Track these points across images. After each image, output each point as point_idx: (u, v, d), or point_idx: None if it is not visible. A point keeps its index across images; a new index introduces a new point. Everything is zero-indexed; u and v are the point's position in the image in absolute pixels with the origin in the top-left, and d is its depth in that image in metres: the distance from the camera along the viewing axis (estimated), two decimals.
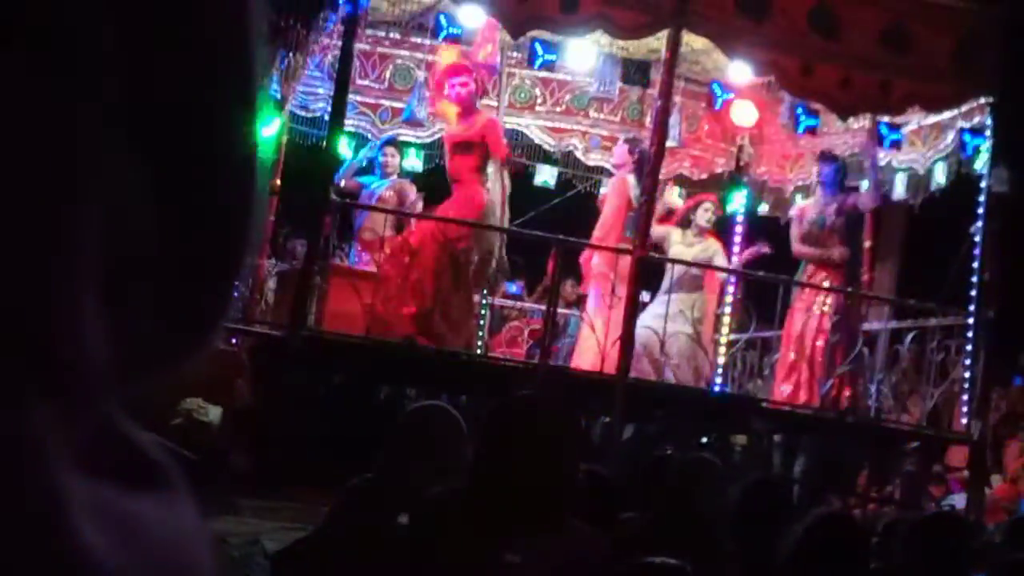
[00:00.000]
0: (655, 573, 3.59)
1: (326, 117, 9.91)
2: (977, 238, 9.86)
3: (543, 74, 11.51)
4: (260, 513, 7.14)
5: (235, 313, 10.57)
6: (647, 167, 9.51)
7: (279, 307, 10.07)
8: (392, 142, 11.38)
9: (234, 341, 10.45)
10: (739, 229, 11.65)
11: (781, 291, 10.50)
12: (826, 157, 10.45)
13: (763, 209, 12.10)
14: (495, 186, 9.64)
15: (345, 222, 10.97)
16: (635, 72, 10.15)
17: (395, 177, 11.09)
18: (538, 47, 9.51)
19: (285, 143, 11.22)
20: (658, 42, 9.30)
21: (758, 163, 12.08)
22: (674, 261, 10.75)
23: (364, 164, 11.23)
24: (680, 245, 10.94)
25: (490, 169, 9.52)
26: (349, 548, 3.93)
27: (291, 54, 10.03)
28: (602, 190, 10.91)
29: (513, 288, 12.80)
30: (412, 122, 11.32)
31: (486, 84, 10.34)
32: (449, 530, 3.30)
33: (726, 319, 11.08)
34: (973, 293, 9.81)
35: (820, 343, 10.09)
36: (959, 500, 10.27)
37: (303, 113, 11.35)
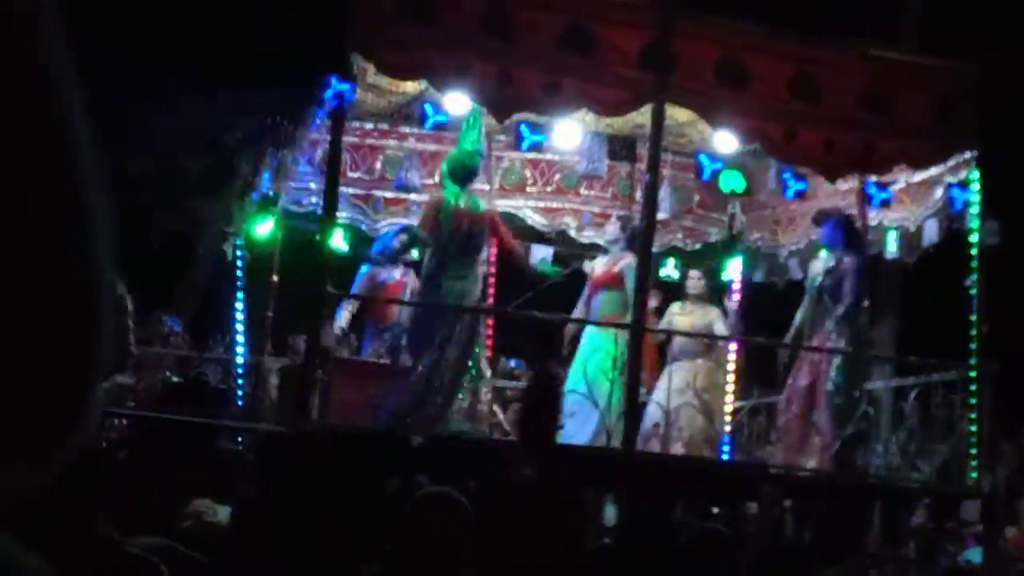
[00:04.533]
0: None
1: (319, 211, 9.98)
2: (973, 291, 9.89)
3: (532, 155, 11.61)
4: None
5: (238, 411, 10.61)
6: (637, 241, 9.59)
7: (283, 403, 10.09)
8: (406, 229, 11.47)
9: (240, 440, 10.47)
10: (736, 296, 11.72)
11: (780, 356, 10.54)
12: (820, 218, 10.51)
13: (759, 276, 12.15)
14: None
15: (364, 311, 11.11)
16: (622, 148, 10.23)
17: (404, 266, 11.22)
18: (524, 129, 9.59)
19: (281, 239, 11.29)
20: (643, 117, 9.39)
21: (751, 230, 12.14)
22: (673, 332, 10.83)
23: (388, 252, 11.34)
24: (679, 316, 11.05)
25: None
26: None
27: (281, 151, 10.14)
28: (588, 264, 10.93)
29: (512, 364, 12.82)
30: (403, 189, 11.39)
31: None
32: None
33: (730, 387, 11.12)
34: (973, 346, 9.84)
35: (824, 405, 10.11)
36: (975, 555, 10.23)
37: (297, 209, 11.42)
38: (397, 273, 11.20)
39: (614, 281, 10.48)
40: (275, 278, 11.13)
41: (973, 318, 9.87)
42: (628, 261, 10.31)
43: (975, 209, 9.92)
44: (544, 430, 8.06)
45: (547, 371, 8.68)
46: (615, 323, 10.09)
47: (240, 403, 10.78)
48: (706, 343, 10.94)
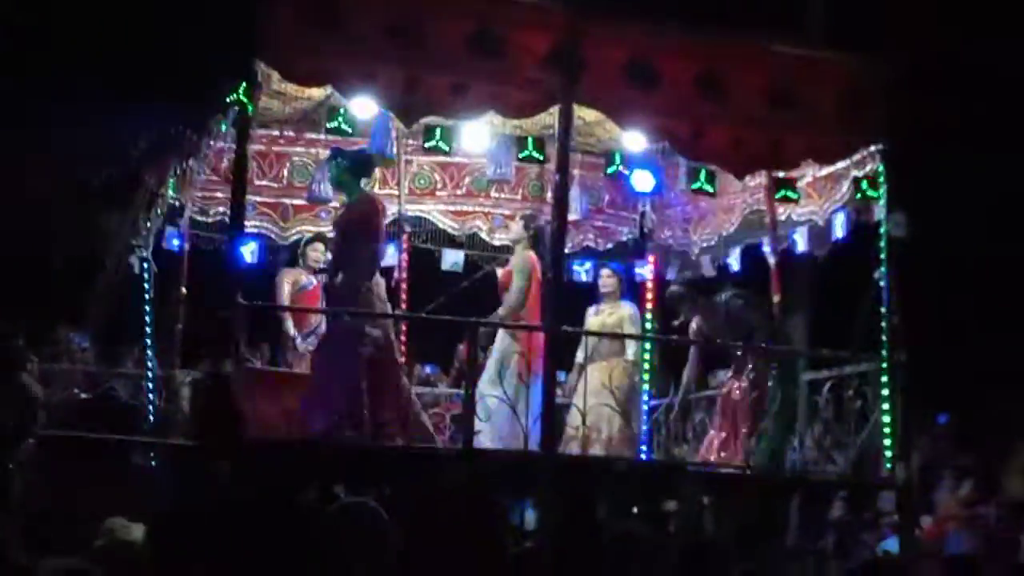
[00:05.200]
0: None
1: (227, 221, 9.84)
2: (882, 283, 9.98)
3: (441, 159, 11.55)
4: None
5: (150, 426, 10.45)
6: (548, 241, 9.57)
7: (195, 417, 9.94)
8: (318, 238, 11.37)
9: (152, 455, 10.30)
10: (650, 295, 11.75)
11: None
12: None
13: (671, 273, 12.19)
14: None
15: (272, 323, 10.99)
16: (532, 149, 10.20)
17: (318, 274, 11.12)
18: (433, 133, 9.52)
19: (188, 250, 11.15)
20: (551, 118, 9.37)
21: (662, 228, 12.18)
22: (587, 333, 10.83)
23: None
24: (592, 317, 11.05)
25: None
26: None
27: (186, 162, 9.99)
28: (500, 269, 10.91)
29: (427, 369, 12.76)
30: (316, 200, 11.30)
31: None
32: None
33: (645, 386, 11.14)
34: (884, 338, 9.93)
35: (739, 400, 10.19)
36: (892, 545, 10.33)
37: (203, 219, 11.29)
38: (315, 280, 11.11)
39: (510, 278, 10.49)
40: (184, 290, 10.99)
41: (883, 310, 9.96)
42: (515, 260, 10.34)
43: (882, 202, 10.01)
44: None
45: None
46: (530, 325, 10.07)
47: (152, 418, 10.62)
48: (619, 342, 10.95)
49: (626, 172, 9.74)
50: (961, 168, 14.86)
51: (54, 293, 12.09)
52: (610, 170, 9.73)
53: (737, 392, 10.40)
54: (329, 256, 10.88)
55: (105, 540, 8.62)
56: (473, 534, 3.28)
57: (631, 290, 11.42)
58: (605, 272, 11.30)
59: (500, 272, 10.79)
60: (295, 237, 11.74)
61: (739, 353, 10.54)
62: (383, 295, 9.65)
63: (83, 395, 10.76)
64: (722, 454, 10.35)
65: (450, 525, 3.27)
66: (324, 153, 11.28)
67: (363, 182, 9.80)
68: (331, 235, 10.08)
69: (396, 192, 11.75)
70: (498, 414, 9.81)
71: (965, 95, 15.23)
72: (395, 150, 10.59)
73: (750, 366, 10.24)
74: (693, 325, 10.94)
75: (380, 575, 3.48)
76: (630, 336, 10.89)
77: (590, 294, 11.45)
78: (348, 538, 4.04)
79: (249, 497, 8.33)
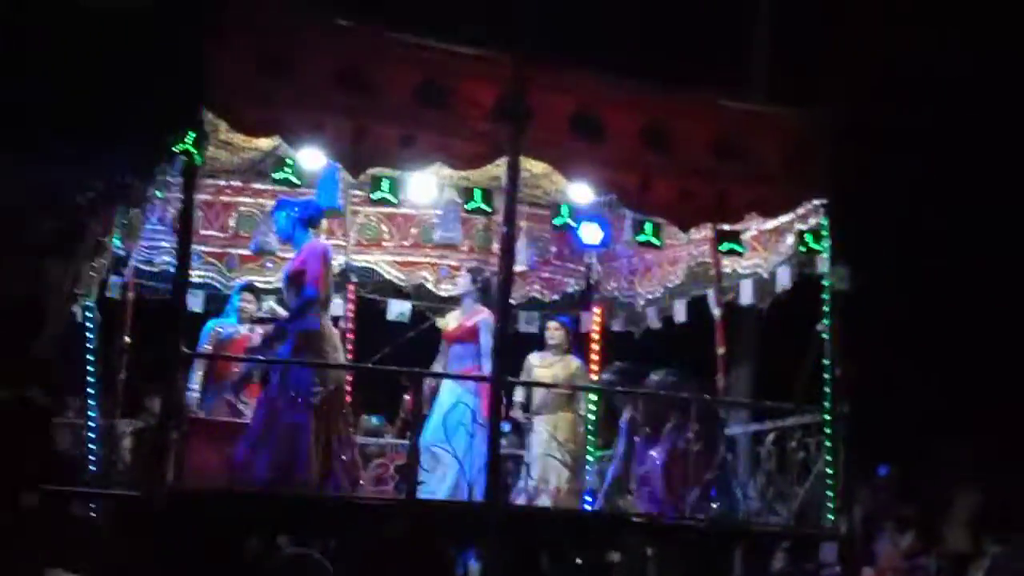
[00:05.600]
0: None
1: (172, 270, 9.79)
2: (825, 336, 10.07)
3: (388, 210, 11.56)
4: None
5: (91, 476, 10.33)
6: (494, 293, 9.60)
7: (137, 467, 9.85)
8: (249, 287, 11.33)
9: (93, 506, 10.18)
10: (595, 347, 11.78)
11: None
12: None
13: (617, 325, 12.23)
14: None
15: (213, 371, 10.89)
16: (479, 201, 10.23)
17: (248, 324, 11.04)
18: (380, 184, 9.54)
19: (133, 299, 11.08)
20: (499, 169, 9.41)
21: (608, 280, 12.23)
22: (535, 384, 10.84)
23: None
24: (540, 368, 11.06)
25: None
26: None
27: (131, 210, 9.95)
28: (442, 320, 10.89)
29: (375, 420, 12.71)
30: (261, 253, 11.28)
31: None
32: None
33: (591, 437, 11.15)
34: (827, 390, 10.00)
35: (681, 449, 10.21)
36: None
37: (149, 268, 11.23)
38: (243, 329, 11.05)
39: (468, 335, 10.49)
40: (127, 339, 10.91)
41: (826, 362, 10.04)
42: (483, 317, 10.34)
43: (825, 255, 10.10)
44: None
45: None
46: (476, 376, 10.07)
47: (93, 468, 10.50)
48: (567, 394, 10.96)
49: (573, 224, 9.79)
50: (905, 221, 15.05)
51: None
52: (557, 222, 9.77)
53: (680, 446, 10.40)
54: (265, 307, 10.90)
55: None
56: None
57: (577, 341, 11.44)
58: (553, 325, 11.30)
59: (450, 323, 10.75)
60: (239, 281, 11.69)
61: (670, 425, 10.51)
62: (337, 343, 9.63)
63: None
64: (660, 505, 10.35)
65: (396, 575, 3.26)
66: (271, 203, 11.29)
67: (311, 233, 9.80)
68: (280, 285, 10.04)
69: (343, 242, 11.74)
70: (444, 464, 9.79)
71: (908, 149, 15.44)
72: (342, 201, 10.60)
73: (693, 427, 10.24)
74: (626, 415, 10.94)
75: None
76: (582, 388, 10.90)
77: (536, 345, 11.46)
78: None
79: (192, 548, 8.26)
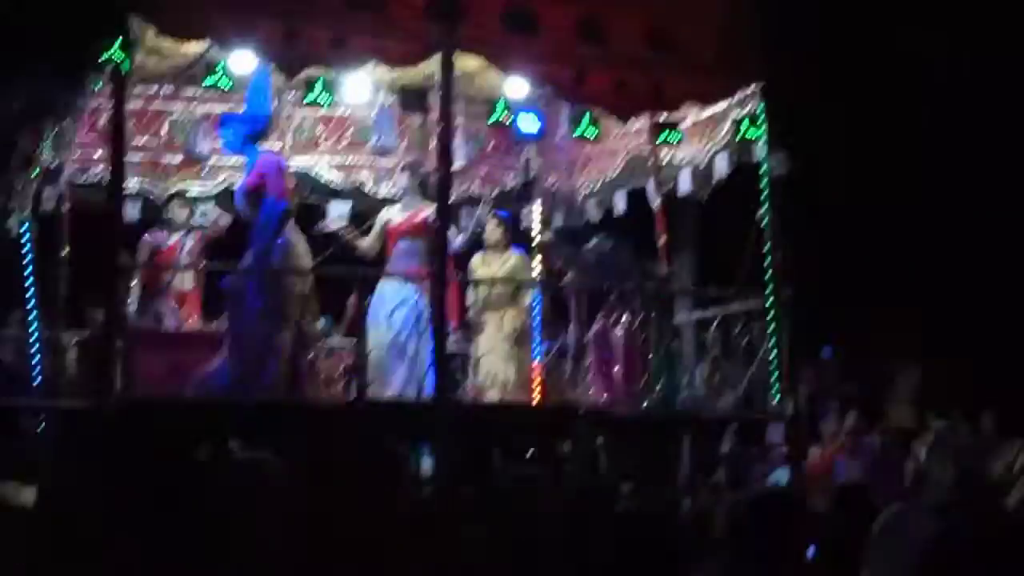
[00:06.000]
0: None
1: (106, 181, 9.69)
2: (765, 221, 10.13)
3: (323, 111, 11.45)
4: None
5: (36, 389, 10.29)
6: (433, 191, 9.59)
7: (83, 378, 9.82)
8: (180, 196, 11.23)
9: (41, 418, 10.15)
10: (537, 240, 11.79)
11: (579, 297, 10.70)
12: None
13: (558, 219, 12.24)
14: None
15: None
16: (414, 99, 10.16)
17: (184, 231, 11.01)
18: (314, 85, 9.44)
19: (69, 212, 10.97)
20: (433, 67, 9.33)
21: (547, 173, 12.19)
22: (479, 282, 10.84)
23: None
24: (483, 268, 11.02)
25: None
26: None
27: (61, 121, 9.80)
28: (383, 215, 10.80)
29: (322, 323, 12.70)
30: (194, 157, 11.19)
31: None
32: None
33: (536, 331, 11.20)
34: (769, 275, 10.09)
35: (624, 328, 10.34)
36: (782, 475, 10.54)
37: (83, 180, 11.10)
38: (174, 237, 11.00)
39: (415, 229, 10.42)
40: (65, 251, 10.83)
41: (767, 248, 10.11)
42: (429, 212, 10.26)
43: (762, 142, 10.13)
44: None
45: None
46: (418, 274, 10.07)
47: (38, 380, 10.46)
48: (510, 291, 10.97)
49: (510, 118, 9.76)
50: (840, 103, 15.09)
51: None
52: (493, 119, 9.74)
53: (619, 333, 10.47)
54: (203, 215, 10.88)
55: None
56: (371, 483, 3.29)
57: (518, 236, 11.43)
58: (491, 224, 11.23)
59: (393, 218, 10.65)
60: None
61: (613, 297, 10.58)
62: (302, 251, 9.66)
63: None
64: (608, 394, 10.45)
65: (348, 475, 3.28)
66: (203, 109, 11.16)
67: (258, 146, 9.74)
68: (237, 203, 9.97)
69: (279, 146, 11.63)
70: (390, 364, 9.82)
71: (842, 29, 15.43)
72: (275, 103, 10.49)
73: (631, 308, 10.31)
74: (567, 276, 10.98)
75: (279, 528, 3.48)
76: (522, 282, 10.93)
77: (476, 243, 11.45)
78: (244, 493, 4.03)
79: (141, 456, 8.26)
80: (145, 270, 10.89)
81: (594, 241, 10.84)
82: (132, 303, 10.60)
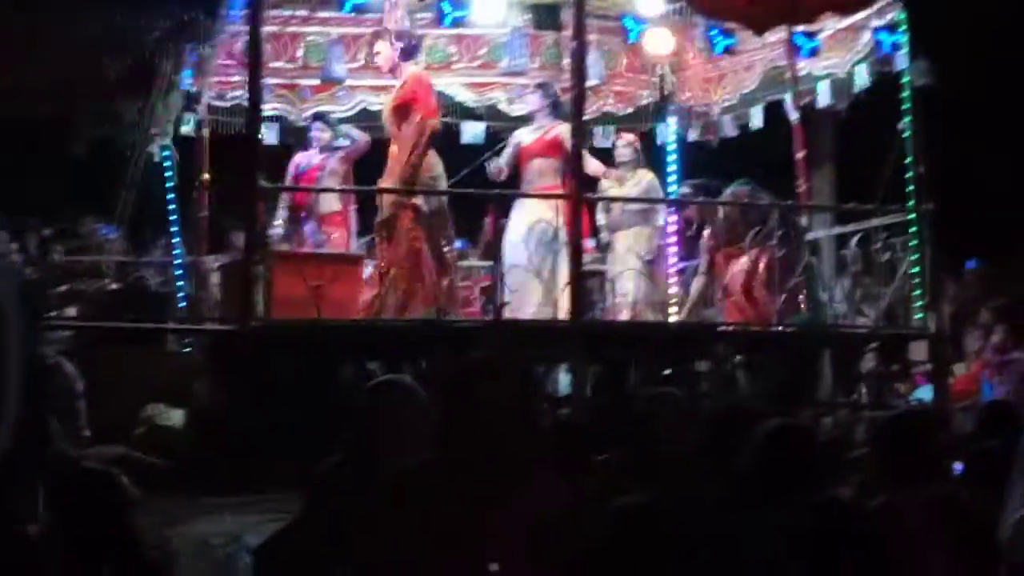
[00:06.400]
0: (624, 516, 3.62)
1: (244, 105, 9.80)
2: (906, 134, 9.91)
3: (455, 31, 11.41)
4: (237, 510, 7.10)
5: (182, 313, 10.53)
6: (568, 109, 9.52)
7: (226, 301, 10.00)
8: (322, 117, 11.32)
9: (187, 341, 10.39)
10: (673, 158, 11.69)
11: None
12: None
13: (693, 135, 12.11)
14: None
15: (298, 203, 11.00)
16: (547, 17, 10.10)
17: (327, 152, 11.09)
18: (446, 5, 9.42)
19: (208, 136, 11.13)
20: None
21: (682, 90, 12.05)
22: (611, 199, 10.78)
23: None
24: (614, 188, 10.95)
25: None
26: (328, 533, 3.91)
27: (200, 46, 9.92)
28: (515, 137, 10.72)
29: (458, 244, 12.77)
30: (330, 80, 11.24)
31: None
32: (422, 501, 3.28)
33: (672, 249, 11.13)
34: (910, 188, 9.88)
35: (765, 260, 10.17)
36: (925, 393, 10.38)
37: (222, 104, 11.24)
38: (317, 159, 11.08)
39: (548, 149, 10.33)
40: (206, 176, 11.00)
41: (908, 160, 9.90)
42: (562, 128, 10.17)
43: (904, 51, 9.89)
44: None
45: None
46: (555, 194, 10.00)
47: (183, 304, 10.69)
48: (642, 209, 10.90)
49: (642, 36, 9.65)
50: (984, 9, 14.63)
51: (78, 185, 12.12)
52: (630, 38, 9.64)
53: (763, 259, 10.31)
54: (346, 135, 10.95)
55: (145, 427, 8.76)
56: (508, 403, 3.31)
57: (653, 153, 11.32)
58: (621, 142, 11.14)
59: (524, 139, 10.58)
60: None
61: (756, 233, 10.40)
62: (439, 171, 9.68)
63: (114, 285, 10.82)
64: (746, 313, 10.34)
65: (485, 395, 3.29)
66: (338, 31, 11.19)
67: (411, 63, 9.74)
68: (385, 119, 9.97)
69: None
70: (527, 284, 9.82)
71: None
72: (407, 23, 10.48)
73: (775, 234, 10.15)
74: (706, 232, 10.81)
75: (419, 447, 3.53)
76: (657, 200, 10.85)
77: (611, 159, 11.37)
78: (387, 413, 4.08)
79: (286, 377, 8.43)
80: (291, 192, 11.01)
81: (732, 187, 10.63)
82: (279, 225, 10.74)
